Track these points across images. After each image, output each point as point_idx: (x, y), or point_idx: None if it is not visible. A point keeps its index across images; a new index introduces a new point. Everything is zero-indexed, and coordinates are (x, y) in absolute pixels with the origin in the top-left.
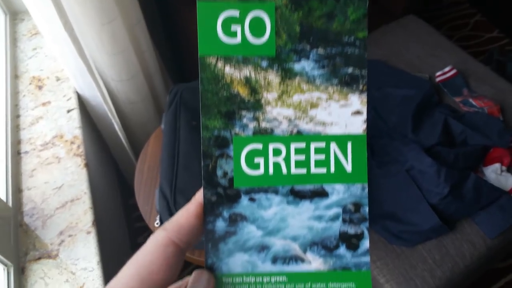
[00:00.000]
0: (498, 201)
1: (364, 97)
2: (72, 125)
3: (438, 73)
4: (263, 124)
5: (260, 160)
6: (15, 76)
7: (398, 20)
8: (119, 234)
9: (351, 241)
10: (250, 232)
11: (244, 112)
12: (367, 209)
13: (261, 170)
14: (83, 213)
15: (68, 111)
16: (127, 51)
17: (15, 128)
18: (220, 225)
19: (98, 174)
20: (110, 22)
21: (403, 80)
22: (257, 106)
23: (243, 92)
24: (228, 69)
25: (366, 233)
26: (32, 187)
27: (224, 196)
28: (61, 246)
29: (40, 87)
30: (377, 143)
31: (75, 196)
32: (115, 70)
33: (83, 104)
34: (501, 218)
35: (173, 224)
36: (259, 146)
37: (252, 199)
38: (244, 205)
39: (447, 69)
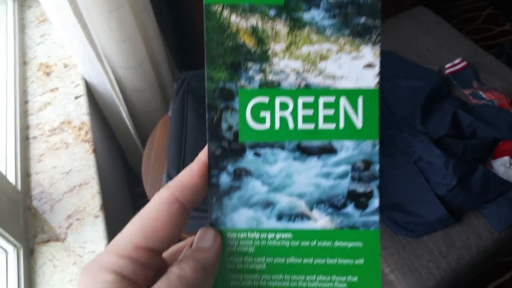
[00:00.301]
0: (506, 194)
1: (377, 49)
2: (80, 112)
3: (447, 65)
4: (270, 77)
5: (266, 114)
6: (23, 62)
7: (408, 11)
8: (126, 220)
9: (360, 200)
10: (255, 187)
11: (250, 64)
12: (377, 167)
13: (267, 125)
14: (91, 198)
15: (76, 98)
16: (134, 38)
17: (24, 114)
18: (225, 179)
19: (105, 160)
20: (118, 8)
21: (412, 71)
22: (264, 57)
23: (250, 42)
24: (234, 18)
25: (375, 192)
26: (41, 172)
27: (229, 150)
28: (69, 230)
29: (48, 74)
30: (385, 134)
31: (83, 181)
32: (122, 57)
33: (90, 91)
34: (509, 211)
35: (177, 183)
36: (265, 99)
37: (257, 154)
38: (249, 159)
39: (457, 61)
